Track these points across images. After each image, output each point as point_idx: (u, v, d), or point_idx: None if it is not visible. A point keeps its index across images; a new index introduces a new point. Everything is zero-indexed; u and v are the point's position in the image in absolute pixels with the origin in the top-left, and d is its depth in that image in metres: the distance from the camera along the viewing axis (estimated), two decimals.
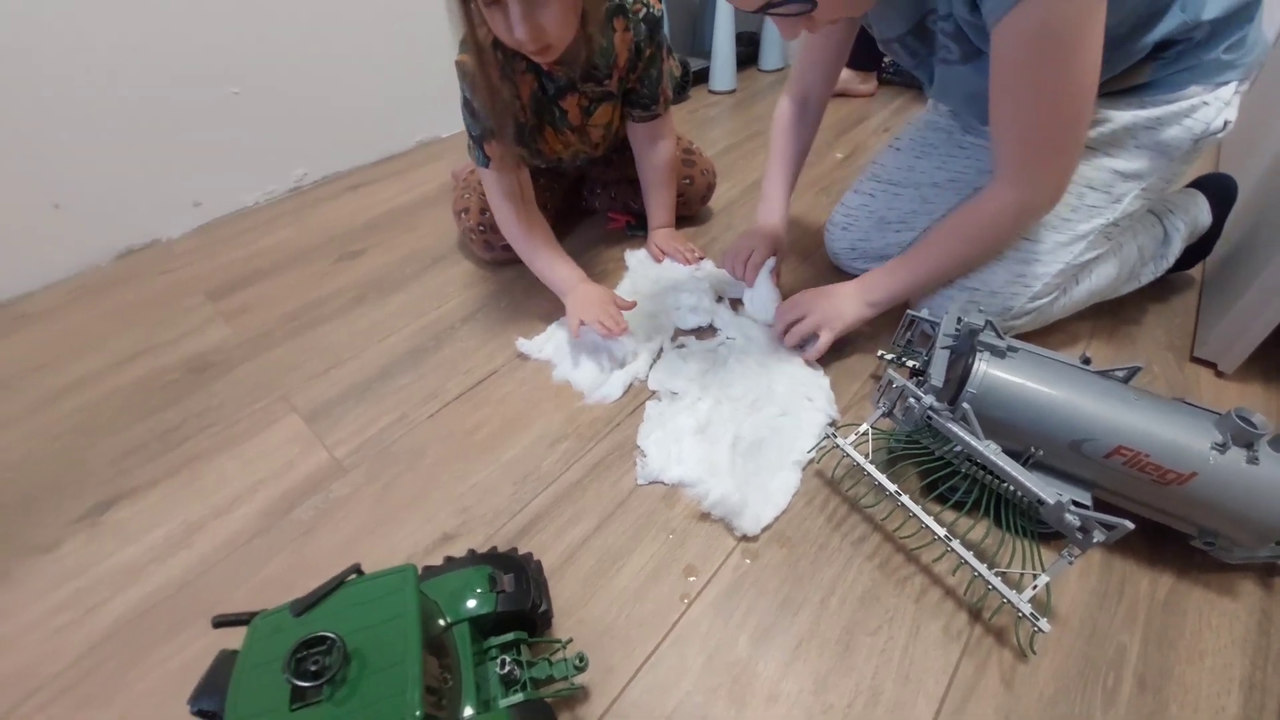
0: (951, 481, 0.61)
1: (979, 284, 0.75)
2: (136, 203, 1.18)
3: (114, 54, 1.07)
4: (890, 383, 0.64)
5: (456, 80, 0.81)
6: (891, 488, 0.61)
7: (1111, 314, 0.88)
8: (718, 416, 0.74)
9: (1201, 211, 0.86)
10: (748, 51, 1.88)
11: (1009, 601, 0.53)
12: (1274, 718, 0.50)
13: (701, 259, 1.02)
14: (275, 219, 1.29)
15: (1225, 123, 0.67)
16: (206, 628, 0.58)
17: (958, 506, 0.61)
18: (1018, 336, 0.73)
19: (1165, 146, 0.68)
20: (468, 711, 0.42)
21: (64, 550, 0.68)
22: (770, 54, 1.89)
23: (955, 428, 0.58)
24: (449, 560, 0.53)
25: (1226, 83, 0.66)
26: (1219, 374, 0.80)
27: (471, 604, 0.47)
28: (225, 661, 0.41)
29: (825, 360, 0.81)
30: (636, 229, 1.13)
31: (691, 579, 0.61)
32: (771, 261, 0.88)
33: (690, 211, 1.16)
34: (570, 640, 0.54)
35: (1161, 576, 0.60)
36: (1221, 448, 0.53)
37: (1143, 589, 0.59)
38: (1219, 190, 0.87)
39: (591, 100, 0.91)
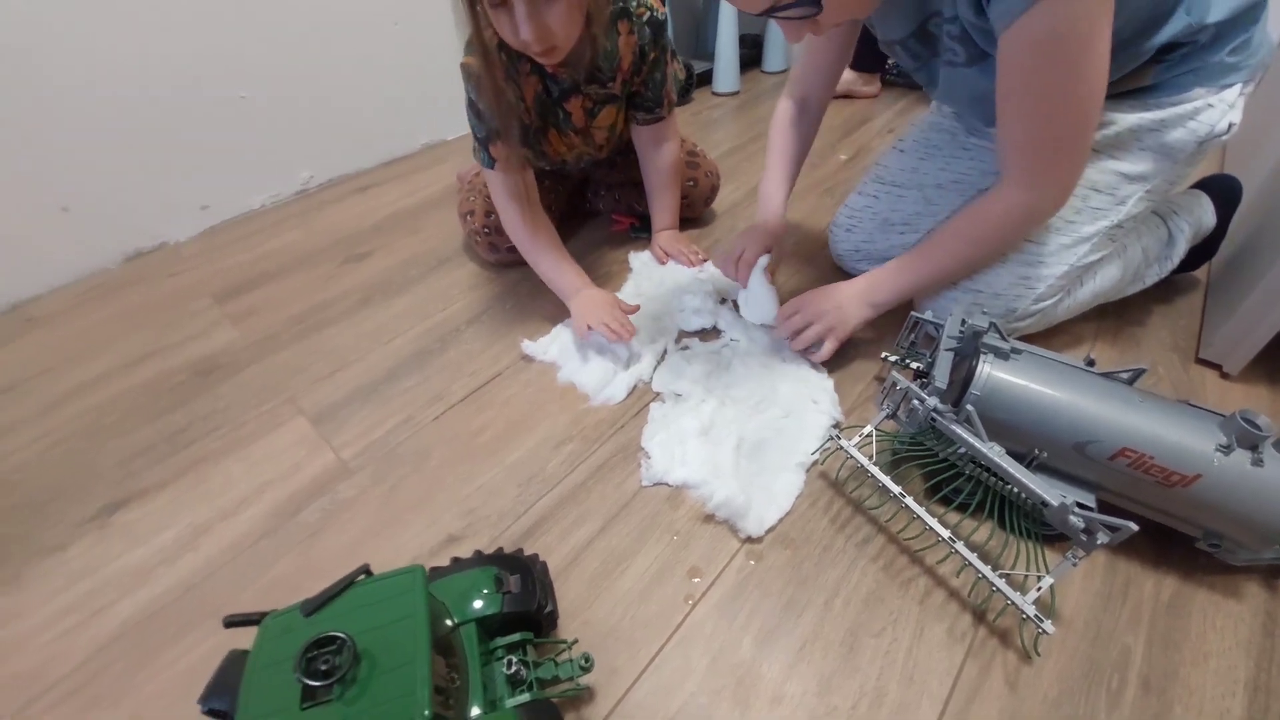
0: (955, 483, 0.61)
1: (983, 286, 0.75)
2: (144, 206, 1.18)
3: (122, 58, 1.07)
4: (894, 384, 0.64)
5: (461, 83, 0.81)
6: (895, 489, 0.61)
7: (1116, 315, 0.88)
8: (721, 418, 0.74)
9: (1206, 213, 0.86)
10: (751, 54, 1.88)
11: (1013, 603, 0.53)
12: None
13: (705, 261, 1.02)
14: (281, 222, 1.30)
15: (1230, 125, 0.67)
16: (214, 629, 0.59)
17: (962, 508, 0.61)
18: (1022, 338, 0.73)
19: (1170, 149, 0.68)
20: (475, 711, 0.42)
21: (72, 552, 0.68)
22: (774, 56, 1.89)
23: (959, 430, 0.58)
24: (456, 561, 0.54)
25: (1231, 85, 0.66)
26: (1224, 376, 0.80)
27: (478, 605, 0.48)
28: (235, 661, 0.41)
29: (829, 362, 0.81)
30: (640, 231, 1.13)
31: (696, 580, 0.61)
32: (765, 260, 0.87)
33: (694, 213, 1.17)
34: (575, 641, 0.54)
35: (1166, 578, 0.60)
36: (1226, 450, 0.53)
37: (1147, 591, 0.59)
38: (1223, 191, 0.87)
39: (595, 102, 0.91)
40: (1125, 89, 0.68)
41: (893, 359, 0.76)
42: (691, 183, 1.11)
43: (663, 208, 1.06)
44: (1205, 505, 0.54)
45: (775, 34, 1.86)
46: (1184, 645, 0.55)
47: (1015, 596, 0.53)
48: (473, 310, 0.99)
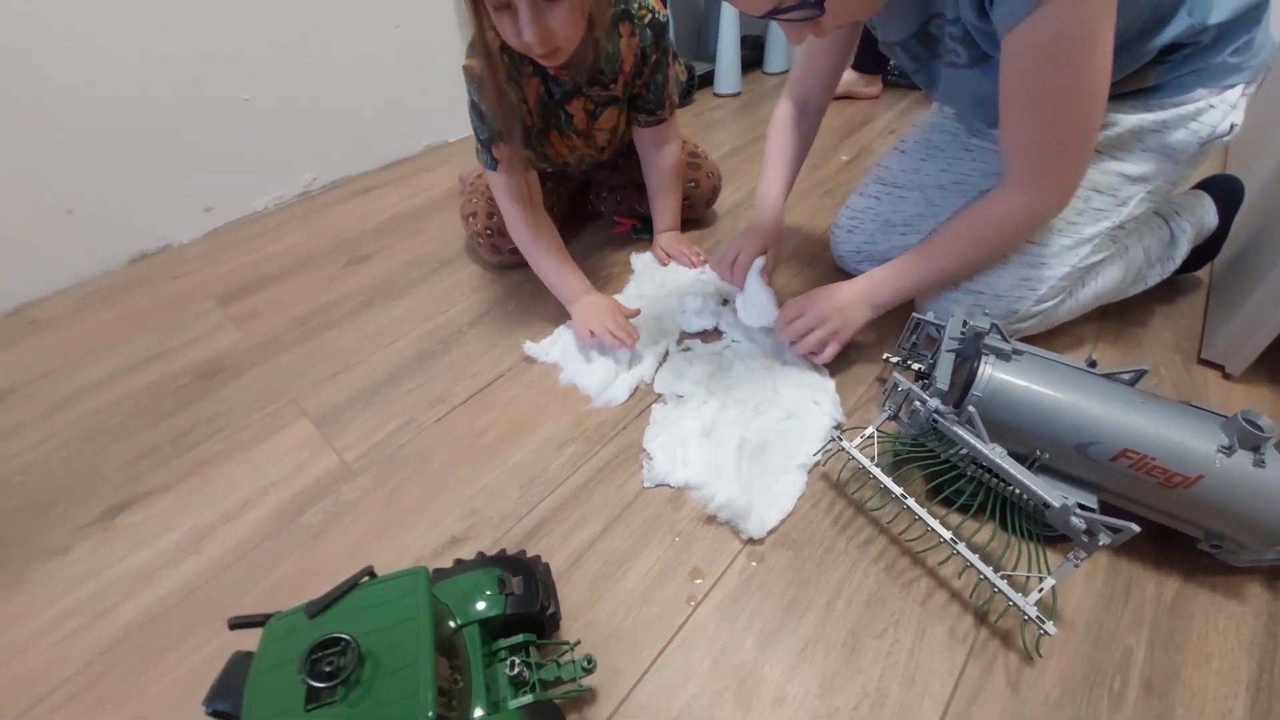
0: (957, 485, 0.61)
1: (984, 287, 0.75)
2: (148, 208, 1.19)
3: (125, 61, 1.08)
4: (896, 386, 0.64)
5: (462, 85, 0.81)
6: (897, 491, 0.61)
7: (1118, 316, 0.88)
8: (723, 419, 0.74)
9: (1208, 213, 0.86)
10: (752, 55, 1.89)
11: (1015, 605, 0.53)
12: None
13: (707, 262, 1.02)
14: (284, 224, 1.30)
15: (1232, 126, 0.67)
16: (217, 631, 0.60)
17: (963, 509, 0.61)
18: (1024, 339, 0.73)
19: (1171, 150, 0.68)
20: (478, 712, 0.42)
21: (75, 555, 0.69)
22: (775, 57, 1.90)
23: (960, 431, 0.58)
24: (459, 563, 0.54)
25: (1233, 85, 0.66)
26: (1226, 376, 0.80)
27: (481, 606, 0.48)
28: (239, 663, 0.41)
29: (830, 363, 0.81)
30: (642, 232, 1.13)
31: (698, 581, 0.61)
32: (760, 261, 0.86)
33: (695, 214, 1.17)
34: (578, 642, 0.54)
35: (1168, 580, 0.60)
36: (1228, 451, 0.53)
37: (1149, 592, 0.59)
38: (1225, 192, 0.87)
39: (597, 104, 0.91)
40: (1127, 90, 0.68)
41: (894, 360, 0.76)
42: (693, 184, 1.11)
43: (664, 209, 1.06)
44: (1207, 506, 0.54)
45: (777, 35, 1.86)
46: (1186, 646, 0.55)
47: (1017, 598, 0.53)
48: (475, 312, 0.99)
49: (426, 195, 1.37)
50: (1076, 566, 0.53)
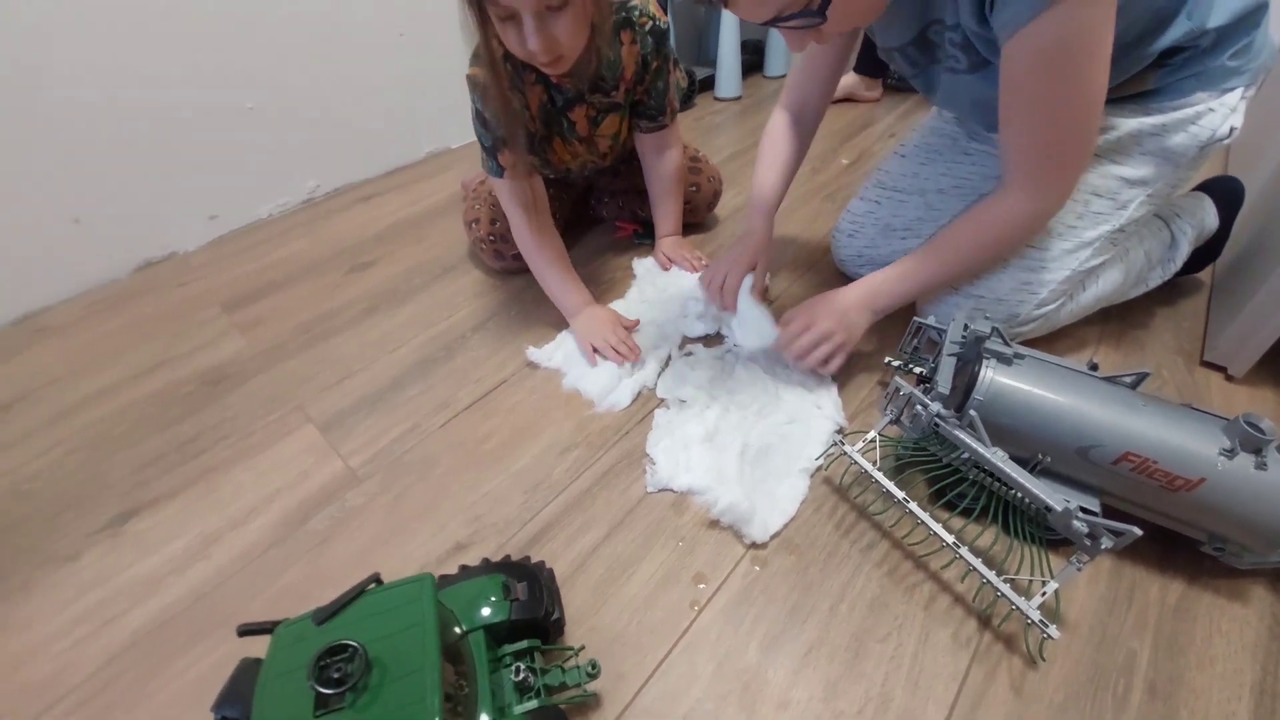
0: (959, 488, 0.61)
1: (985, 291, 0.75)
2: (154, 216, 1.20)
3: (131, 72, 1.09)
4: (897, 390, 0.64)
5: (464, 92, 0.82)
6: (899, 495, 0.61)
7: (1120, 318, 0.88)
8: (726, 424, 0.74)
9: (1208, 215, 0.86)
10: (753, 59, 1.89)
11: (1018, 608, 0.54)
12: None
13: (708, 266, 1.03)
14: (288, 231, 1.31)
15: (1231, 129, 0.67)
16: (224, 638, 0.60)
17: (966, 513, 0.61)
18: (1025, 342, 0.74)
19: (1171, 153, 0.68)
20: (484, 718, 0.43)
21: (84, 562, 0.69)
22: (775, 61, 1.90)
23: (962, 435, 0.58)
24: (464, 569, 0.54)
25: (1232, 89, 0.66)
26: (1229, 378, 0.80)
27: (486, 612, 0.48)
28: (247, 669, 0.42)
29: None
30: (644, 237, 1.14)
31: (701, 586, 0.61)
32: (749, 280, 0.83)
33: (697, 219, 1.17)
34: (582, 647, 0.54)
35: (1171, 582, 0.60)
36: (1230, 453, 0.53)
37: (1153, 595, 0.59)
38: (1225, 193, 0.87)
39: (599, 111, 0.92)
40: (1126, 93, 0.68)
41: (896, 364, 0.76)
42: (694, 188, 1.12)
43: (666, 214, 1.06)
44: (1209, 509, 0.54)
45: (777, 39, 1.87)
46: (1190, 649, 0.55)
47: (1020, 602, 0.54)
48: (478, 318, 1.00)
49: (429, 202, 1.38)
50: (1079, 570, 0.53)
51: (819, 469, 0.71)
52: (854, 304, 0.76)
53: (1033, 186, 0.66)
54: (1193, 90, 0.66)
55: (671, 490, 0.70)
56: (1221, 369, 0.80)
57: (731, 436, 0.72)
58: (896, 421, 0.66)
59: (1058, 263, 0.73)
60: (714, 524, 0.66)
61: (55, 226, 1.10)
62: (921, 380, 0.75)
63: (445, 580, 0.53)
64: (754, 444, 0.72)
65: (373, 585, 0.43)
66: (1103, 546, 0.51)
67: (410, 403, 0.85)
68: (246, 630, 0.42)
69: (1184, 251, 0.83)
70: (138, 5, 1.06)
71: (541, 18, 0.67)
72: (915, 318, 0.75)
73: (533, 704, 0.46)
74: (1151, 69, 0.66)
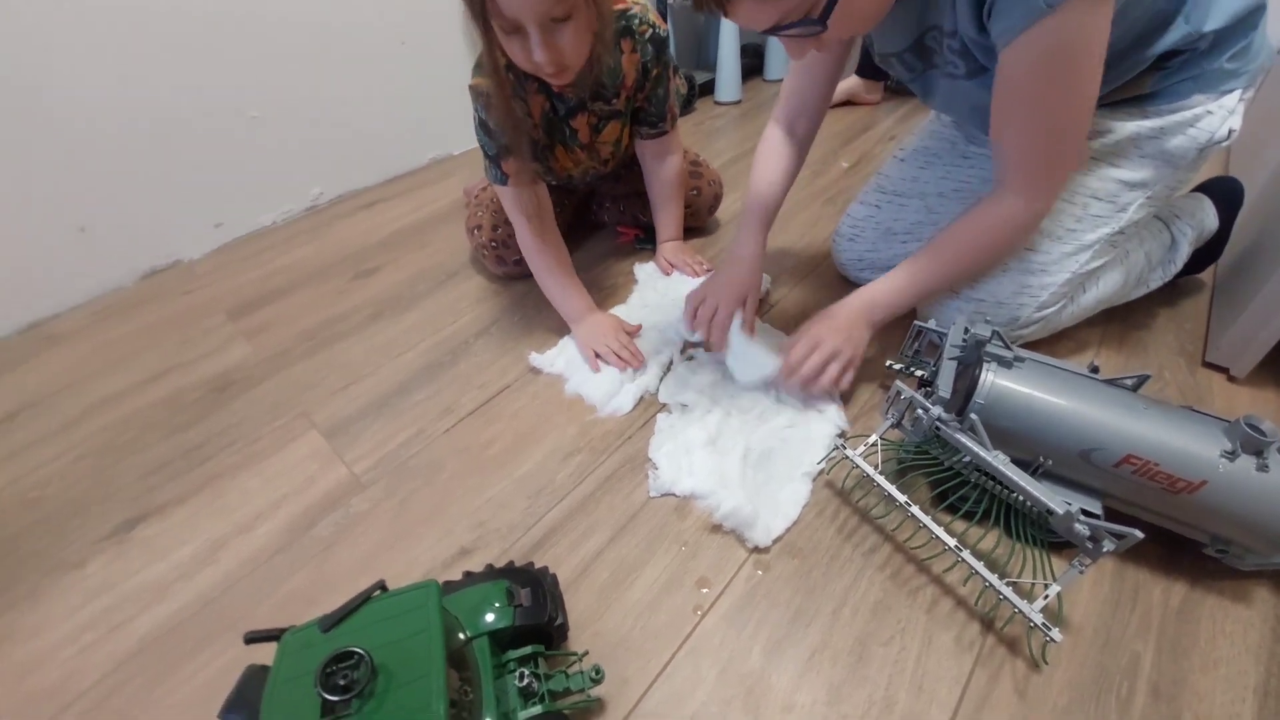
0: (961, 492, 0.61)
1: (985, 295, 0.76)
2: (159, 224, 1.21)
3: (136, 82, 1.10)
4: (898, 394, 0.64)
5: (466, 97, 0.82)
6: (901, 498, 0.62)
7: (1121, 320, 0.88)
8: (728, 428, 0.75)
9: (1208, 216, 0.86)
10: (753, 63, 1.90)
11: (1020, 611, 0.54)
12: None
13: (710, 271, 1.03)
14: (293, 238, 1.32)
15: (1230, 131, 0.67)
16: (231, 643, 0.60)
17: (968, 516, 0.61)
18: (1026, 345, 0.74)
19: (1170, 155, 0.69)
20: None
21: (91, 568, 0.70)
22: (775, 64, 1.91)
23: (963, 438, 0.58)
24: (468, 575, 0.54)
25: (1231, 91, 0.66)
26: (1231, 379, 0.80)
27: (490, 618, 0.48)
28: (254, 676, 0.42)
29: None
30: (645, 242, 1.14)
31: (704, 590, 0.62)
32: (739, 316, 0.80)
33: (698, 222, 1.18)
34: (586, 653, 0.55)
35: (1175, 584, 0.60)
36: (1231, 455, 0.53)
37: (1156, 597, 0.59)
38: (1225, 194, 0.87)
39: (600, 119, 0.92)
40: (1124, 96, 0.68)
41: (897, 367, 0.77)
42: (695, 192, 1.12)
43: (667, 219, 1.07)
44: (1211, 511, 0.55)
45: (777, 43, 1.87)
46: (1193, 651, 0.55)
47: (1022, 605, 0.54)
48: (481, 323, 1.00)
49: (432, 208, 1.39)
50: (1081, 573, 0.53)
51: (821, 473, 0.71)
52: (853, 318, 0.75)
53: (1029, 190, 0.66)
54: (1191, 93, 0.66)
55: (674, 495, 0.70)
56: (1224, 370, 0.80)
57: (733, 441, 0.73)
58: (898, 425, 0.66)
59: (1058, 266, 0.73)
60: (717, 528, 0.66)
61: (61, 235, 1.11)
62: (923, 384, 0.76)
63: (450, 586, 0.53)
64: (756, 448, 0.72)
65: (378, 592, 0.44)
66: (1104, 549, 0.51)
67: (414, 408, 0.86)
68: (253, 638, 0.43)
69: (1184, 252, 0.83)
70: (142, 15, 1.07)
71: (547, 30, 0.68)
72: (916, 321, 0.75)
73: (537, 709, 0.46)
74: (1149, 72, 0.66)
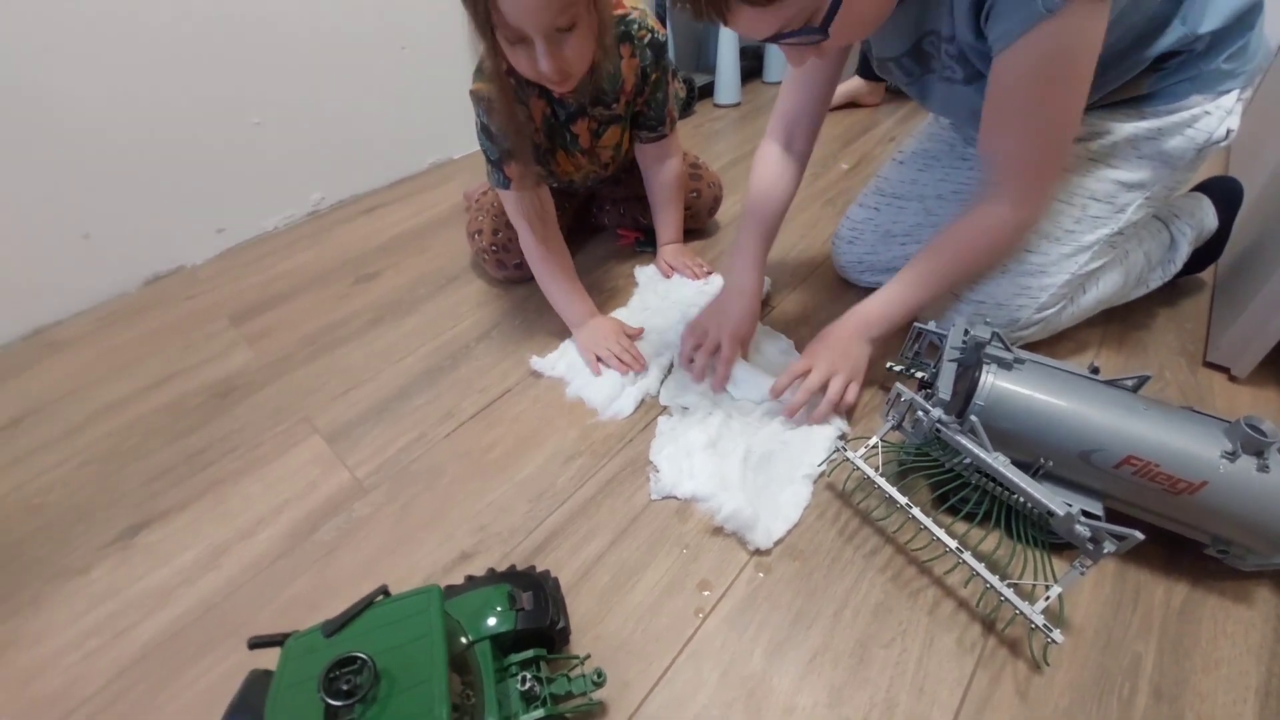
0: (962, 493, 0.61)
1: (985, 296, 0.76)
2: (162, 231, 1.21)
3: (139, 90, 1.10)
4: (899, 396, 0.65)
5: (465, 102, 0.83)
6: (902, 500, 0.62)
7: (1122, 320, 0.88)
8: (728, 431, 0.75)
9: (1207, 215, 0.86)
10: (752, 65, 1.90)
11: (1022, 613, 0.54)
12: None
13: (710, 274, 1.04)
14: (294, 243, 1.32)
15: (1228, 131, 0.67)
16: (234, 648, 0.61)
17: (969, 518, 0.61)
18: (1026, 346, 0.74)
19: (1168, 156, 0.69)
20: None
21: (95, 574, 0.70)
22: (774, 67, 1.91)
23: (964, 440, 0.58)
24: (470, 579, 0.55)
25: (1228, 91, 0.66)
26: (1232, 379, 0.80)
27: (492, 622, 0.49)
28: (257, 681, 0.43)
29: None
30: (646, 245, 1.15)
31: (706, 593, 0.62)
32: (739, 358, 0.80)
33: (698, 225, 1.18)
34: (588, 656, 0.55)
35: (1176, 585, 0.60)
36: (1231, 456, 0.53)
37: (1157, 598, 0.59)
38: (1224, 193, 0.87)
39: (600, 124, 0.93)
40: (1121, 98, 0.69)
41: (897, 369, 0.77)
42: (695, 194, 1.12)
43: (667, 222, 1.07)
44: (1212, 512, 0.55)
45: (776, 46, 1.87)
46: (1195, 652, 0.55)
47: (1024, 606, 0.54)
48: (481, 327, 1.01)
49: (432, 213, 1.39)
50: (1083, 574, 0.54)
51: (822, 475, 0.71)
52: (850, 336, 0.75)
53: (1023, 195, 0.66)
54: (1188, 94, 0.66)
55: (675, 497, 0.70)
56: (1224, 370, 0.80)
57: (734, 443, 0.73)
58: (898, 427, 0.67)
59: (1057, 267, 0.73)
60: (718, 531, 0.67)
61: (65, 242, 1.11)
62: (923, 385, 0.76)
63: (452, 590, 0.53)
64: (756, 450, 0.72)
65: (381, 597, 0.44)
66: (1105, 550, 0.51)
67: (416, 413, 0.86)
68: (257, 643, 0.43)
69: (1183, 252, 0.84)
70: (144, 22, 1.07)
71: (552, 40, 0.68)
72: (916, 323, 0.75)
73: (539, 713, 0.46)
74: (1146, 73, 0.66)
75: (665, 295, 1.01)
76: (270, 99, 1.26)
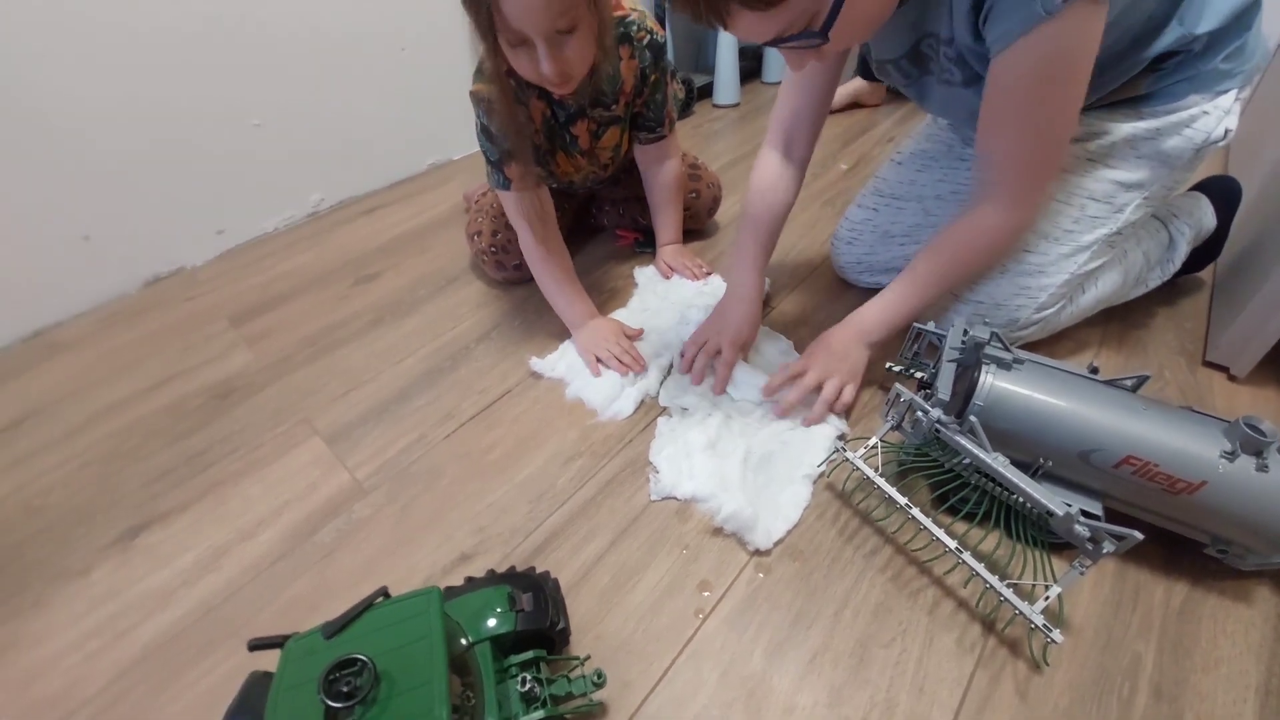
0: (962, 493, 0.61)
1: (984, 297, 0.76)
2: (162, 232, 1.21)
3: (139, 92, 1.10)
4: (898, 396, 0.65)
5: (465, 104, 0.83)
6: (902, 500, 0.62)
7: (1121, 319, 0.88)
8: (728, 431, 0.75)
9: (1206, 215, 0.86)
10: (751, 65, 1.90)
11: (1021, 613, 0.54)
12: None
13: (709, 274, 1.04)
14: (294, 244, 1.32)
15: (1226, 131, 0.67)
16: (234, 649, 0.61)
17: (968, 518, 0.61)
18: (1026, 346, 0.74)
19: (1166, 156, 0.69)
20: None
21: (95, 576, 0.70)
22: (773, 67, 1.91)
23: (963, 440, 0.58)
24: (470, 580, 0.55)
25: (1226, 91, 0.66)
26: (1232, 378, 0.80)
27: (492, 623, 0.49)
28: (257, 683, 0.43)
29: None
30: (645, 246, 1.15)
31: (706, 594, 0.62)
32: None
33: (697, 225, 1.18)
34: (588, 657, 0.55)
35: (1176, 585, 0.60)
36: (1231, 456, 0.53)
37: (1157, 598, 0.59)
38: (1223, 193, 0.87)
39: (600, 125, 0.93)
40: (1119, 98, 0.69)
41: (896, 369, 0.77)
42: (694, 195, 1.12)
43: (666, 223, 1.07)
44: (1211, 512, 0.55)
45: None
46: (1195, 652, 0.55)
47: (1023, 606, 0.54)
48: (481, 328, 1.01)
49: (431, 214, 1.39)
50: (1082, 574, 0.54)
51: (821, 475, 0.71)
52: (848, 341, 0.75)
53: (1019, 198, 0.66)
54: (1186, 94, 0.66)
55: (675, 498, 0.70)
56: (1224, 369, 0.80)
57: (734, 444, 0.73)
58: (898, 427, 0.67)
59: (1056, 267, 0.73)
60: (717, 531, 0.67)
61: (65, 244, 1.11)
62: (922, 386, 0.76)
63: (452, 592, 0.53)
64: (756, 451, 0.72)
65: (380, 598, 0.44)
66: (1105, 550, 0.51)
67: (416, 414, 0.86)
68: (257, 645, 0.43)
69: (1182, 252, 0.84)
70: (143, 24, 1.07)
71: (553, 43, 0.68)
72: (915, 324, 0.75)
73: (539, 714, 0.46)
74: (1144, 74, 0.66)
75: (665, 296, 1.01)
76: (270, 100, 1.27)
